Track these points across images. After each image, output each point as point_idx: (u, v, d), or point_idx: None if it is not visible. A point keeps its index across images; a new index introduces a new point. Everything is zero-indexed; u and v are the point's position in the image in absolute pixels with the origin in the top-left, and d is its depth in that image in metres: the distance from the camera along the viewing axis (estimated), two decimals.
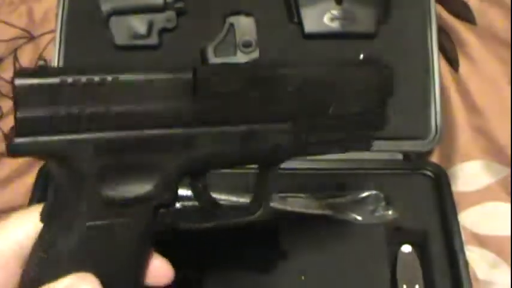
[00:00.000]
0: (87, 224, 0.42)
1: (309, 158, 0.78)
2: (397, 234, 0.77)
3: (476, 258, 0.80)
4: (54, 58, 0.84)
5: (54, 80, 0.41)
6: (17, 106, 0.40)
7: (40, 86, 0.40)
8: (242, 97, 0.46)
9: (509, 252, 0.80)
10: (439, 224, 0.78)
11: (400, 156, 0.83)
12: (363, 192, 0.79)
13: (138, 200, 0.43)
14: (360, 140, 0.56)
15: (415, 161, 0.83)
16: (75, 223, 0.42)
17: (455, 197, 0.81)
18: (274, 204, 0.77)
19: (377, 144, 0.80)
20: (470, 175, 0.85)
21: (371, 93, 0.53)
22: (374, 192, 0.79)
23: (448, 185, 0.80)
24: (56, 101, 0.41)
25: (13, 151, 0.40)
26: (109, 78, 0.43)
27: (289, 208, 0.78)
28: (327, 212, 0.78)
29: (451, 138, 0.87)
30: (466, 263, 0.74)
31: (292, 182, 0.80)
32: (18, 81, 0.40)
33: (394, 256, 0.76)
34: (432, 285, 0.74)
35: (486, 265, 0.79)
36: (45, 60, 0.43)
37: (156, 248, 0.47)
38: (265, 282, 0.74)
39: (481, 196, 0.84)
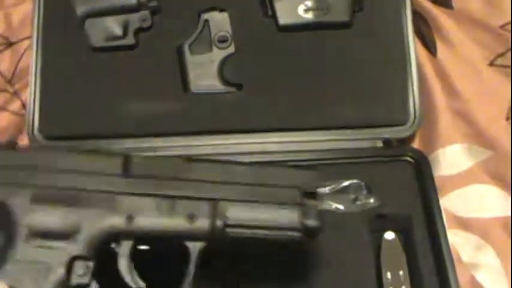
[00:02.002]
0: (18, 257, 0.48)
1: (288, 148, 0.79)
2: (379, 221, 0.78)
3: (460, 242, 0.80)
4: (32, 63, 0.84)
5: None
6: None
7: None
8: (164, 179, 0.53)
9: (493, 234, 0.80)
10: (421, 210, 0.78)
11: (380, 144, 0.83)
12: (344, 182, 0.79)
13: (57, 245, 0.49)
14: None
15: (396, 148, 0.83)
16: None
17: (438, 181, 0.82)
18: None
19: (356, 132, 0.81)
20: (452, 159, 0.85)
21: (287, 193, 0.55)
22: (355, 181, 0.79)
23: (430, 170, 0.81)
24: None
25: None
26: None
27: None
28: (309, 202, 0.78)
29: (431, 123, 0.87)
30: (449, 247, 0.74)
31: None
32: None
33: (377, 244, 0.76)
34: (416, 270, 0.74)
35: (470, 248, 0.80)
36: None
37: None
38: (248, 274, 0.74)
39: (463, 179, 0.84)
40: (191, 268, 0.51)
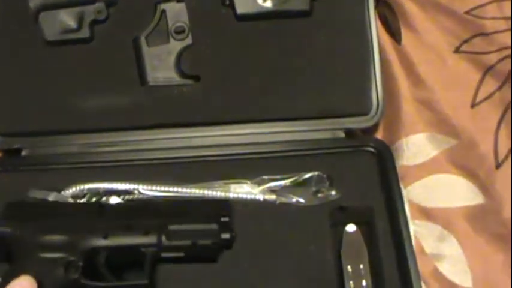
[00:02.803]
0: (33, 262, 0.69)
1: (248, 141, 0.78)
2: (341, 214, 0.77)
3: (423, 233, 0.79)
4: None
5: None
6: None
7: None
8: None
9: (457, 224, 0.79)
10: (383, 201, 0.77)
11: (342, 134, 0.81)
12: (305, 174, 0.79)
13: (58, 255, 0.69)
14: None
15: (358, 139, 0.82)
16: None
17: (402, 171, 0.81)
18: (216, 191, 0.77)
19: (317, 123, 0.80)
20: (415, 148, 0.84)
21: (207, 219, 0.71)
22: (316, 173, 0.78)
23: (392, 161, 0.79)
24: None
25: None
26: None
27: (231, 195, 0.77)
28: (270, 196, 0.77)
29: (395, 112, 0.86)
30: (411, 240, 0.73)
31: (233, 167, 0.79)
32: None
33: (339, 237, 0.75)
34: (378, 262, 0.73)
35: (433, 239, 0.79)
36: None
37: None
38: (210, 270, 0.73)
39: (427, 169, 0.83)
40: (147, 266, 0.69)
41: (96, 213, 0.73)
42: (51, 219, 0.72)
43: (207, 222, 0.71)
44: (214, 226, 0.71)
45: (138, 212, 0.73)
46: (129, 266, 0.72)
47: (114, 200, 0.77)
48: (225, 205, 0.74)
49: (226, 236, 0.71)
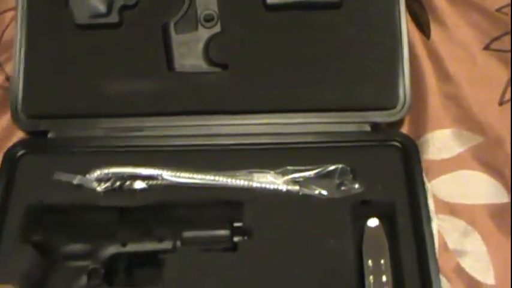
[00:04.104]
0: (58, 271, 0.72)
1: (273, 131, 0.78)
2: (364, 207, 0.76)
3: (447, 227, 0.78)
4: (16, 40, 0.83)
5: None
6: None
7: None
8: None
9: (481, 221, 0.78)
10: (406, 196, 0.76)
11: (368, 128, 0.81)
12: (329, 166, 0.78)
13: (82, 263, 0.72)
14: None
15: (383, 133, 0.81)
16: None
17: (426, 165, 0.80)
18: (239, 179, 0.77)
19: (344, 115, 0.79)
20: (441, 143, 0.84)
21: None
22: (340, 165, 0.78)
23: (417, 156, 0.79)
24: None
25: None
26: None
27: (254, 184, 0.77)
28: (293, 187, 0.77)
29: (422, 106, 0.85)
30: (432, 236, 0.73)
31: (257, 157, 0.79)
32: None
33: (361, 230, 0.75)
34: (398, 258, 0.73)
35: (457, 234, 0.78)
36: None
37: None
38: (229, 260, 0.73)
39: (452, 164, 0.82)
40: (165, 270, 0.72)
41: (116, 219, 0.75)
42: (75, 227, 0.74)
43: (220, 228, 0.74)
44: (227, 232, 0.73)
45: (154, 218, 0.75)
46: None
47: (138, 184, 0.77)
48: (238, 210, 0.75)
49: (239, 239, 0.74)
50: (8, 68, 0.90)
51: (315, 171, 0.78)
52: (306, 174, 0.78)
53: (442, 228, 0.78)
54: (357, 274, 0.72)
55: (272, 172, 0.78)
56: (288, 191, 0.77)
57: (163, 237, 0.73)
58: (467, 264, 0.76)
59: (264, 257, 0.73)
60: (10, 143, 0.84)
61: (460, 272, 0.76)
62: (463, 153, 0.83)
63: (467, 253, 0.77)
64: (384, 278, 0.71)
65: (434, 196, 0.80)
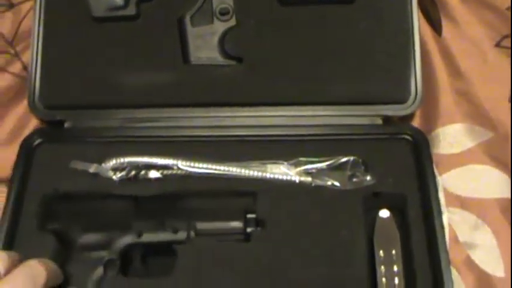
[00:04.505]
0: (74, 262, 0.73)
1: (287, 123, 0.79)
2: (375, 199, 0.77)
3: (457, 220, 0.79)
4: (34, 31, 0.85)
5: None
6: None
7: None
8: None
9: (492, 215, 0.79)
10: (417, 189, 0.77)
11: (379, 121, 0.82)
12: (341, 158, 0.79)
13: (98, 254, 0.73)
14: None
15: (395, 126, 0.82)
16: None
17: (437, 159, 0.81)
18: (253, 170, 0.78)
19: (356, 108, 0.80)
20: (452, 138, 0.84)
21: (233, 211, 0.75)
22: (352, 157, 0.79)
23: (428, 150, 0.80)
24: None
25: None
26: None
27: (268, 175, 0.78)
28: (305, 178, 0.78)
29: (433, 101, 0.86)
30: (443, 228, 0.74)
31: (271, 148, 0.80)
32: None
33: (372, 221, 0.76)
34: (409, 249, 0.74)
35: (467, 227, 0.79)
36: None
37: None
38: (243, 250, 0.74)
39: (463, 159, 0.83)
40: (178, 261, 0.74)
41: (131, 209, 0.76)
42: (91, 216, 0.75)
43: (233, 219, 0.75)
44: (240, 223, 0.75)
45: (168, 208, 0.76)
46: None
47: (153, 174, 0.78)
48: (251, 201, 0.76)
49: (252, 230, 0.75)
50: (25, 58, 0.91)
51: (327, 163, 0.79)
52: (319, 165, 0.79)
53: (453, 221, 0.79)
54: (368, 264, 0.73)
55: (285, 163, 0.79)
56: (300, 182, 0.78)
57: (177, 228, 0.74)
58: (477, 257, 0.77)
59: (276, 248, 0.74)
60: (26, 132, 0.86)
61: (470, 264, 0.77)
62: (474, 148, 0.84)
63: (477, 246, 0.78)
64: (395, 268, 0.72)
65: (445, 190, 0.81)
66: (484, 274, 0.76)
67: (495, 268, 0.76)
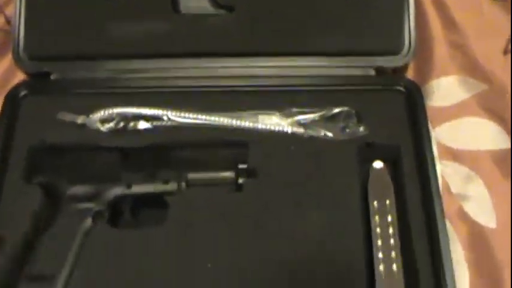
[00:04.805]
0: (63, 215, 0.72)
1: (279, 73, 0.78)
2: (368, 150, 0.76)
3: (450, 173, 0.79)
4: None
5: None
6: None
7: None
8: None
9: (484, 167, 0.79)
10: (411, 140, 0.76)
11: (372, 72, 0.81)
12: (334, 109, 0.78)
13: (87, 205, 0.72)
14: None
15: (388, 77, 0.81)
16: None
17: (431, 112, 0.80)
18: (244, 120, 0.76)
19: (349, 60, 0.79)
20: (446, 90, 0.84)
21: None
22: (345, 108, 0.78)
23: (422, 101, 0.79)
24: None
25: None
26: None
27: (259, 126, 0.77)
28: (298, 129, 0.77)
29: (427, 53, 0.85)
30: (437, 179, 0.73)
31: (263, 99, 0.79)
32: None
33: (366, 173, 0.75)
34: (403, 200, 0.73)
35: (460, 179, 0.79)
36: None
37: None
38: (235, 200, 0.73)
39: (457, 111, 0.83)
40: (170, 211, 0.73)
41: (120, 160, 0.74)
42: (78, 168, 0.74)
43: (224, 170, 0.73)
44: (231, 174, 0.73)
45: (158, 159, 0.74)
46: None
47: (142, 125, 0.77)
48: (242, 151, 0.75)
49: (242, 180, 0.73)
50: (9, 10, 0.89)
51: (319, 114, 0.78)
52: (311, 116, 0.78)
53: (446, 173, 0.79)
54: (362, 215, 0.72)
55: (278, 114, 0.77)
56: (293, 132, 0.77)
57: (168, 179, 0.73)
58: (470, 208, 0.77)
59: (269, 198, 0.73)
60: (12, 85, 0.83)
61: (463, 215, 0.76)
62: (468, 100, 0.83)
63: (470, 198, 0.78)
64: (389, 218, 0.71)
65: (438, 142, 0.80)
66: (477, 225, 0.76)
67: (487, 219, 0.76)
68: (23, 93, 0.81)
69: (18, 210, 0.72)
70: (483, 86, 0.84)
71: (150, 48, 0.81)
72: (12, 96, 0.80)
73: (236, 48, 0.81)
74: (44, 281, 0.68)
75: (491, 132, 0.81)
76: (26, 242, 0.70)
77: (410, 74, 0.85)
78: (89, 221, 0.71)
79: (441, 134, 0.81)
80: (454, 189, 0.78)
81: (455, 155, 0.80)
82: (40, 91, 0.81)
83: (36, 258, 0.69)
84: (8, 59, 0.85)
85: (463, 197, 0.77)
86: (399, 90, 0.80)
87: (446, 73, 0.84)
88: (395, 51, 0.81)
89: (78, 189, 0.73)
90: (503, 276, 0.72)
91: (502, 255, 0.73)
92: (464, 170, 0.79)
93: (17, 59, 0.82)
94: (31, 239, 0.70)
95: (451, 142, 0.81)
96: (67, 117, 0.77)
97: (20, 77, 0.85)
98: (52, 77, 0.82)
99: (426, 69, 0.85)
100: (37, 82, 0.82)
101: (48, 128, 0.78)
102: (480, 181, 0.78)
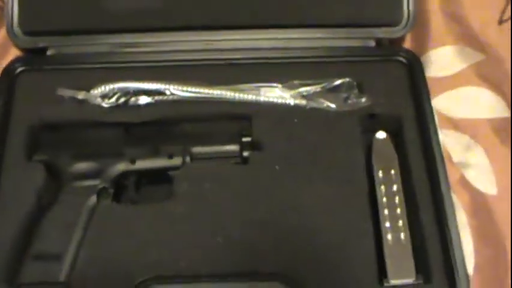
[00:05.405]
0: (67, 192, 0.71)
1: (279, 45, 0.77)
2: (371, 121, 0.77)
3: (451, 142, 0.80)
4: None
5: None
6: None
7: None
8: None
9: (484, 135, 0.80)
10: (413, 110, 0.77)
11: (372, 43, 0.81)
12: (336, 80, 0.78)
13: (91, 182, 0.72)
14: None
15: (388, 48, 0.81)
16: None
17: (429, 83, 0.80)
18: (246, 93, 0.76)
19: (349, 31, 0.79)
20: (443, 60, 0.84)
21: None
22: (347, 79, 0.78)
23: (422, 71, 0.80)
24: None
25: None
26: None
27: (262, 98, 0.76)
28: (300, 101, 0.77)
29: (424, 24, 0.85)
30: (440, 148, 0.74)
31: (264, 71, 0.79)
32: None
33: (369, 143, 0.75)
34: (408, 169, 0.74)
35: (461, 148, 0.79)
36: None
37: None
38: (239, 173, 0.73)
39: (455, 81, 0.83)
40: (175, 186, 0.72)
41: (123, 136, 0.74)
42: (80, 145, 0.73)
43: (229, 143, 0.73)
44: (235, 147, 0.73)
45: (162, 134, 0.74)
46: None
47: (144, 99, 0.76)
48: (246, 124, 0.75)
49: (247, 153, 0.73)
50: None
51: (321, 85, 0.78)
52: (313, 88, 0.78)
53: (446, 142, 0.79)
54: (368, 184, 0.73)
55: (280, 86, 0.77)
56: (295, 104, 0.77)
57: (172, 154, 0.73)
58: (471, 176, 0.78)
59: (274, 170, 0.73)
60: (4, 63, 0.81)
61: (465, 183, 0.77)
62: (465, 70, 0.84)
63: (470, 166, 0.78)
64: (395, 187, 0.72)
65: (438, 112, 0.81)
66: (478, 193, 0.77)
67: (488, 186, 0.77)
68: (19, 69, 0.79)
69: (21, 189, 0.71)
70: (480, 56, 0.84)
71: (149, 22, 0.80)
72: (8, 72, 0.79)
73: (237, 20, 0.80)
74: (49, 260, 0.67)
75: (489, 101, 0.82)
76: (29, 220, 0.69)
77: (407, 45, 0.85)
78: (93, 199, 0.71)
79: (440, 104, 0.82)
80: (455, 158, 0.78)
81: (455, 124, 0.81)
82: (38, 67, 0.80)
83: (41, 238, 0.68)
84: (2, 35, 0.83)
85: (464, 165, 0.78)
86: (399, 61, 0.80)
87: (443, 43, 0.85)
88: (394, 22, 0.81)
89: (81, 166, 0.72)
90: (505, 241, 0.73)
91: (503, 221, 0.74)
92: (464, 138, 0.80)
93: (11, 35, 0.80)
94: (35, 218, 0.69)
95: (450, 111, 0.81)
96: (67, 93, 0.76)
97: (13, 53, 0.83)
98: (48, 52, 0.80)
99: (423, 40, 0.85)
100: (34, 57, 0.81)
101: (46, 104, 0.77)
102: (480, 149, 0.79)
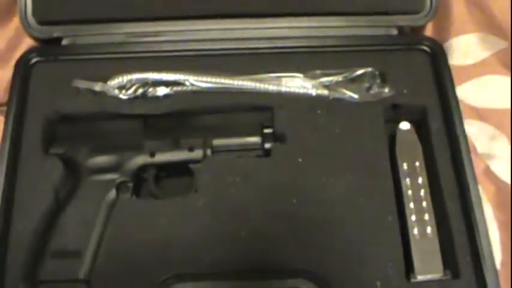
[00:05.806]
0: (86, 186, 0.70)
1: (300, 34, 0.75)
2: (394, 111, 0.75)
3: (475, 132, 0.78)
4: None
5: None
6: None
7: None
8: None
9: (509, 125, 0.78)
10: (437, 100, 0.76)
11: (395, 32, 0.79)
12: (358, 70, 0.77)
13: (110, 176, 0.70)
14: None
15: (411, 36, 0.80)
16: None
17: (452, 71, 0.79)
18: (268, 84, 0.74)
19: (371, 19, 0.77)
20: (466, 48, 0.82)
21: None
22: (369, 69, 0.77)
23: (445, 60, 0.78)
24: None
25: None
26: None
27: (283, 89, 0.75)
28: (322, 91, 0.75)
29: (446, 12, 0.83)
30: (466, 138, 0.73)
31: (285, 61, 0.77)
32: None
33: (392, 134, 0.74)
34: (433, 161, 0.72)
35: (485, 138, 0.78)
36: None
37: None
38: (263, 165, 0.72)
39: (478, 69, 0.81)
40: (196, 179, 0.71)
41: (142, 129, 0.73)
42: (98, 139, 0.72)
43: (250, 135, 0.72)
44: (257, 139, 0.72)
45: (181, 127, 0.73)
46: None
47: (162, 90, 0.75)
48: (267, 115, 0.74)
49: (269, 145, 0.72)
50: None
51: (343, 75, 0.77)
52: (335, 78, 0.76)
53: (471, 133, 0.78)
54: (393, 175, 0.71)
55: (301, 76, 0.76)
56: (317, 95, 0.75)
57: (192, 147, 0.71)
58: (496, 167, 0.76)
59: (298, 160, 0.72)
60: (17, 55, 0.79)
61: (490, 174, 0.76)
62: (489, 58, 0.82)
63: (495, 156, 0.77)
64: (420, 180, 0.71)
65: (461, 101, 0.79)
66: (503, 184, 0.75)
67: None
68: (34, 60, 0.78)
69: (38, 183, 0.70)
70: (503, 43, 0.82)
71: (167, 10, 0.78)
72: (22, 63, 0.78)
73: (257, 9, 0.78)
74: (68, 257, 0.66)
75: None
76: (47, 216, 0.68)
77: (428, 33, 0.83)
78: (113, 193, 0.70)
79: (464, 93, 0.80)
80: (480, 149, 0.77)
81: (479, 114, 0.79)
82: (52, 57, 0.78)
83: (59, 234, 0.67)
84: (14, 24, 0.81)
85: (489, 156, 0.77)
86: (423, 50, 0.79)
87: (465, 31, 0.83)
88: (417, 10, 0.79)
89: (99, 160, 0.71)
90: None
91: None
92: (489, 128, 0.78)
93: (25, 24, 0.79)
94: (52, 213, 0.68)
95: (474, 101, 0.80)
96: (83, 84, 0.75)
97: (27, 43, 0.81)
98: (63, 42, 0.79)
99: (445, 28, 0.83)
100: (49, 48, 0.79)
101: (62, 96, 0.76)
102: (505, 139, 0.77)
